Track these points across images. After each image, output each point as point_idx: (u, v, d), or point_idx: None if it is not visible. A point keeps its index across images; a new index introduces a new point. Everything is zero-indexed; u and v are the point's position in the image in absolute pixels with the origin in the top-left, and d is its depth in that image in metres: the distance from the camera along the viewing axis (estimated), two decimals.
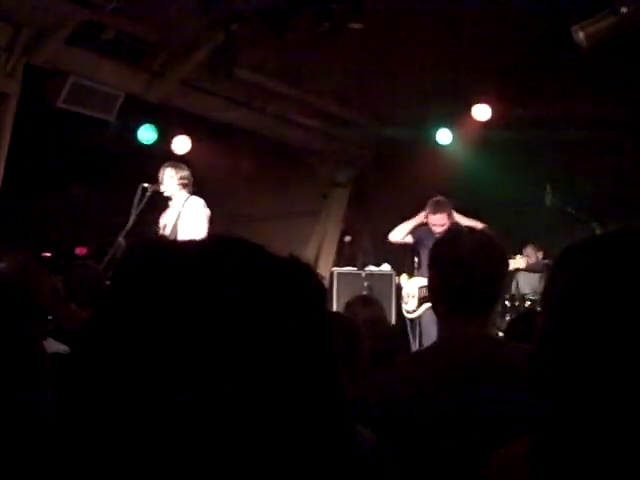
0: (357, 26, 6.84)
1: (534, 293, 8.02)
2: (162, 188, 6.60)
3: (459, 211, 7.29)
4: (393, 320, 7.92)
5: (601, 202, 8.04)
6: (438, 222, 7.11)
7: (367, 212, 10.64)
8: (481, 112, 8.84)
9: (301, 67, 7.80)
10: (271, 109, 8.68)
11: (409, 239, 7.53)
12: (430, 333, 6.53)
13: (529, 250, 8.49)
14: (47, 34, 6.37)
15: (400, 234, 7.55)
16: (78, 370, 0.74)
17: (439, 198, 7.29)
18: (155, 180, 6.61)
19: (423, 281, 7.11)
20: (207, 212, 6.61)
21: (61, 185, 10.61)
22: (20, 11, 6.21)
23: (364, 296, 6.55)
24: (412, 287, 7.45)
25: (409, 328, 7.45)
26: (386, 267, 8.64)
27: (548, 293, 1.17)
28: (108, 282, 0.77)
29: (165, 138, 8.44)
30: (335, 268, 9.03)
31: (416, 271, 7.54)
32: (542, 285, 6.43)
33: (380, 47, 7.40)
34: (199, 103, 8.08)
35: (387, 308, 7.57)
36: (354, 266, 8.99)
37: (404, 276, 7.69)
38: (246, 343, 0.70)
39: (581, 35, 5.97)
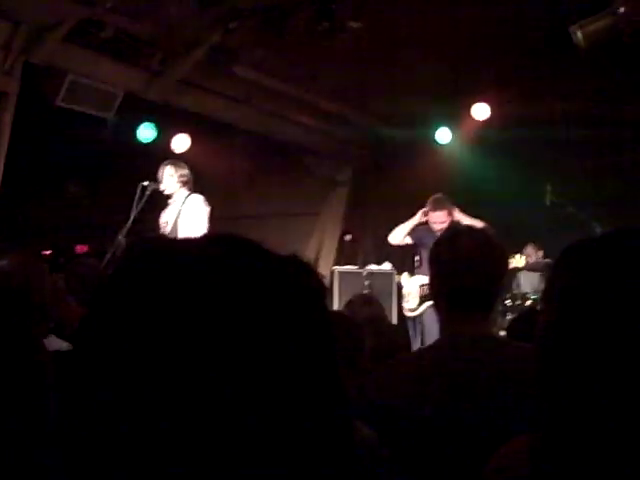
0: (357, 25, 6.84)
1: (535, 292, 8.04)
2: (162, 186, 6.60)
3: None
4: (394, 319, 7.92)
5: (601, 201, 8.05)
6: (438, 219, 7.12)
7: (367, 211, 10.64)
8: (480, 111, 8.84)
9: (300, 66, 7.79)
10: (270, 108, 8.68)
11: (408, 240, 7.54)
12: (432, 331, 6.53)
13: (529, 249, 8.50)
14: (46, 32, 6.36)
15: (399, 236, 7.56)
16: (76, 369, 0.74)
17: (439, 195, 7.30)
18: (155, 178, 6.61)
19: (423, 279, 7.11)
20: (207, 209, 6.62)
21: (60, 183, 10.62)
22: (19, 9, 6.20)
23: (364, 295, 6.55)
24: (413, 285, 7.45)
25: (410, 327, 7.45)
26: (387, 266, 8.64)
27: (549, 293, 1.16)
28: (105, 280, 0.77)
29: (164, 137, 8.44)
30: (336, 267, 9.03)
31: (416, 270, 7.55)
32: (543, 284, 6.45)
33: (379, 46, 7.40)
34: (198, 102, 8.07)
35: (388, 307, 7.57)
36: (355, 265, 8.99)
37: (405, 275, 7.70)
38: (246, 342, 0.70)
39: (579, 35, 5.98)
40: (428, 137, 9.31)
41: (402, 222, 7.55)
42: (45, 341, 2.59)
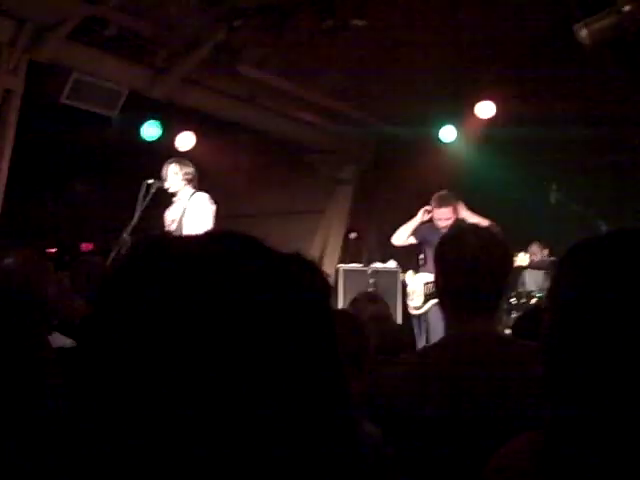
0: (360, 23, 6.84)
1: (539, 290, 8.03)
2: (166, 184, 6.60)
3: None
4: (399, 317, 7.91)
5: (605, 200, 8.04)
6: (443, 216, 7.10)
7: (372, 209, 10.63)
8: (485, 109, 8.82)
9: (304, 64, 7.79)
10: (274, 106, 8.68)
11: (412, 240, 7.51)
12: (437, 330, 6.52)
13: (535, 248, 8.49)
14: (50, 30, 6.36)
15: (402, 237, 7.54)
16: (78, 366, 0.74)
17: (444, 192, 7.28)
18: (159, 176, 6.62)
19: (428, 277, 7.10)
20: (213, 207, 6.62)
21: (65, 181, 10.63)
22: (23, 7, 6.21)
23: (369, 293, 6.55)
24: (417, 283, 7.44)
25: (415, 325, 7.44)
26: (392, 263, 8.63)
27: (554, 292, 1.16)
28: (108, 277, 0.77)
29: (168, 135, 8.44)
30: (340, 265, 9.03)
31: (421, 268, 7.53)
32: (547, 282, 6.43)
33: (383, 44, 7.39)
34: (202, 100, 8.07)
35: (393, 305, 7.57)
36: (360, 263, 8.98)
37: (409, 273, 7.68)
38: (250, 341, 0.70)
39: (584, 33, 5.97)
40: (432, 135, 9.29)
41: (407, 220, 7.53)
42: (49, 338, 2.60)
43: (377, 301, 4.61)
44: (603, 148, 8.66)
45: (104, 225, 9.27)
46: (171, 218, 6.70)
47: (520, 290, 8.29)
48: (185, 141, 8.44)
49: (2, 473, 1.56)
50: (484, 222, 6.79)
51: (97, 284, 0.78)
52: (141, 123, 8.35)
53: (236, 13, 6.80)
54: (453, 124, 9.24)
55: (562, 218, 7.71)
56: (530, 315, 3.79)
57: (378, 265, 8.68)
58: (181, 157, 7.06)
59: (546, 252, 8.53)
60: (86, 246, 11.39)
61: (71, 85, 6.82)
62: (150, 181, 6.57)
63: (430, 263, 7.05)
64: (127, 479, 0.69)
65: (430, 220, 7.33)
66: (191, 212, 6.57)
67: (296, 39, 6.98)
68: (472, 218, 7.05)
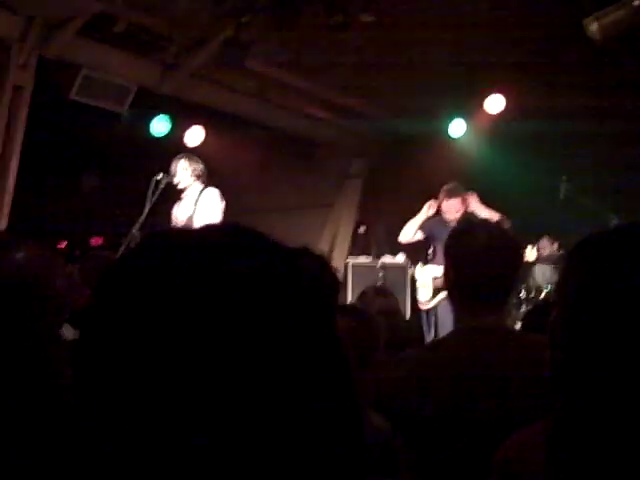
0: (369, 19, 6.82)
1: (549, 284, 8.01)
2: (175, 180, 6.60)
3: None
4: (408, 311, 7.91)
5: (617, 193, 8.00)
6: (453, 208, 7.05)
7: (381, 202, 10.62)
8: (495, 103, 8.80)
9: (313, 59, 7.78)
10: (284, 101, 8.68)
11: (419, 236, 7.48)
12: (446, 324, 6.51)
13: (545, 241, 8.47)
14: (59, 27, 6.38)
15: (409, 233, 7.50)
16: (79, 358, 0.74)
17: (452, 184, 7.24)
18: (168, 172, 6.62)
19: (436, 271, 7.08)
20: (222, 204, 6.62)
21: (74, 177, 10.66)
22: (33, 3, 6.22)
23: (378, 287, 6.54)
24: (426, 277, 7.41)
25: (424, 319, 7.43)
26: (401, 257, 8.61)
27: (563, 287, 1.16)
28: (109, 269, 0.76)
29: (177, 130, 8.44)
30: (349, 259, 9.02)
31: (430, 262, 7.51)
32: (556, 276, 6.42)
33: (392, 39, 7.37)
34: (211, 95, 8.08)
35: (402, 299, 7.55)
36: (369, 256, 8.97)
37: (418, 266, 7.66)
38: (257, 337, 0.69)
39: (594, 27, 5.93)
40: (442, 129, 9.27)
41: (416, 214, 7.51)
42: (61, 331, 2.61)
43: (386, 295, 4.60)
44: (614, 141, 8.62)
45: (113, 220, 9.28)
46: (181, 214, 6.70)
47: (530, 284, 8.28)
48: (194, 137, 8.45)
49: (8, 472, 1.56)
50: (495, 215, 6.78)
51: None
52: (150, 119, 8.36)
53: (245, 9, 6.80)
54: (463, 118, 9.22)
55: (572, 212, 7.68)
56: (540, 309, 3.79)
57: (387, 259, 8.66)
58: (190, 153, 7.07)
59: (556, 246, 8.51)
60: (96, 241, 11.43)
61: (80, 81, 6.84)
62: (159, 176, 6.57)
63: (438, 258, 7.03)
64: (127, 479, 0.69)
65: (436, 214, 7.30)
66: (201, 209, 6.57)
67: (305, 34, 6.97)
68: (483, 211, 7.03)
